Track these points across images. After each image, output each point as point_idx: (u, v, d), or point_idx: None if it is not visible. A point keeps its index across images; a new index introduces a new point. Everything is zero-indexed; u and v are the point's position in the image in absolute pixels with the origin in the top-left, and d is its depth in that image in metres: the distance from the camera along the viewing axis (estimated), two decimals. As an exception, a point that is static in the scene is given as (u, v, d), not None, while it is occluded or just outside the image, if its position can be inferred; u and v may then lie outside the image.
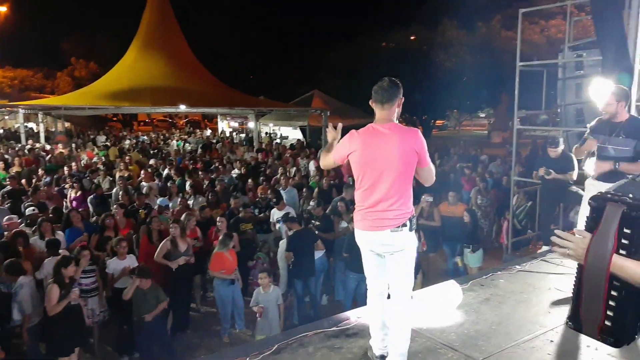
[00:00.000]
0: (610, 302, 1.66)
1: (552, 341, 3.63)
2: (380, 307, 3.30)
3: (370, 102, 3.10)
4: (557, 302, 4.35)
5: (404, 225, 3.04)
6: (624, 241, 1.63)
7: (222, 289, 6.52)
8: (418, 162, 3.04)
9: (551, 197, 6.77)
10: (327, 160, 3.31)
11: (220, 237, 6.68)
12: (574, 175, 6.22)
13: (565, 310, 4.11)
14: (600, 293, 1.65)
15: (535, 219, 7.88)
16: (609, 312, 1.68)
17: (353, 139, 3.08)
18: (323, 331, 3.75)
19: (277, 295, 6.20)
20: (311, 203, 8.41)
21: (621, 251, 1.62)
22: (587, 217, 1.77)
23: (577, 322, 1.80)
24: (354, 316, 4.04)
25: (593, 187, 4.38)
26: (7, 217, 7.33)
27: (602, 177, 4.39)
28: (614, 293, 1.65)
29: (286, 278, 7.04)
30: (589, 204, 1.77)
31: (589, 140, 4.58)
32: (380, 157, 2.98)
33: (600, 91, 6.33)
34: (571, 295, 1.80)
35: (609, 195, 1.74)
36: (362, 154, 3.02)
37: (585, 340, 3.61)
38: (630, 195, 1.68)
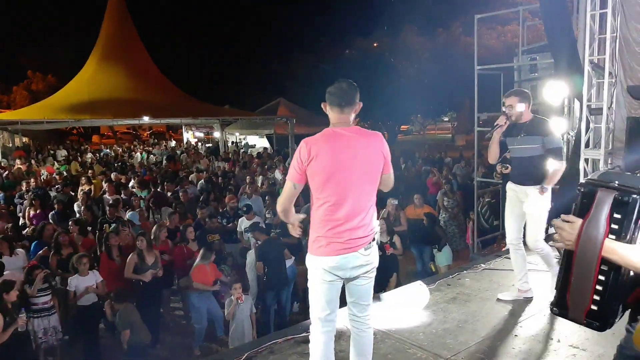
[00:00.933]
0: (598, 287, 1.72)
1: (516, 335, 3.74)
2: (329, 343, 2.81)
3: (323, 106, 2.79)
4: (521, 299, 4.48)
5: (373, 239, 2.76)
6: (613, 226, 1.69)
7: (198, 302, 6.42)
8: (386, 168, 2.78)
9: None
10: (285, 187, 2.77)
11: (201, 251, 6.59)
12: None
13: (529, 305, 4.26)
14: (590, 277, 1.71)
15: (500, 217, 8.09)
16: (596, 297, 1.73)
17: (309, 146, 2.62)
18: (293, 337, 3.75)
19: (249, 306, 6.12)
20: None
21: (611, 236, 1.69)
22: (575, 203, 1.83)
23: (562, 308, 1.84)
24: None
25: (510, 191, 4.37)
26: None
27: (513, 179, 4.36)
28: (601, 277, 1.71)
29: (256, 289, 6.98)
30: (578, 189, 1.83)
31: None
32: (347, 163, 2.61)
33: (553, 92, 6.63)
34: (555, 283, 1.87)
35: (599, 182, 1.79)
36: (325, 161, 2.59)
37: (548, 333, 3.73)
38: (617, 182, 1.76)
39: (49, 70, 38.20)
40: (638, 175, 1.83)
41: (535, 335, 3.73)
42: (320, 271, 2.68)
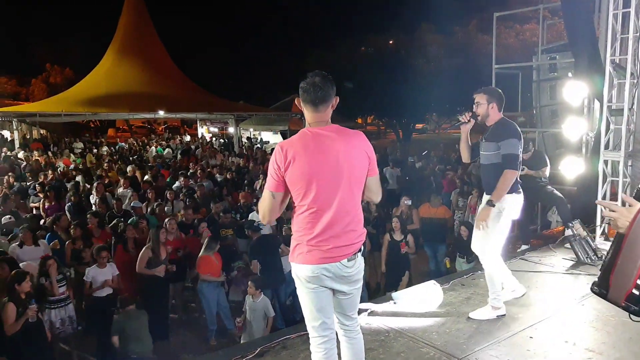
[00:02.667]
0: None
1: (531, 337, 3.69)
2: (330, 354, 2.62)
3: (296, 102, 2.53)
4: (536, 300, 4.43)
5: (360, 250, 2.55)
6: None
7: (207, 292, 6.46)
8: (372, 170, 2.53)
9: (529, 197, 6.89)
10: (262, 200, 2.50)
11: (205, 241, 6.63)
12: (547, 171, 6.34)
13: (543, 307, 4.21)
14: (637, 260, 1.72)
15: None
16: (636, 288, 1.75)
17: (284, 149, 2.38)
18: (306, 333, 3.71)
19: (264, 305, 5.88)
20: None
21: None
22: (638, 189, 1.87)
23: (604, 288, 1.86)
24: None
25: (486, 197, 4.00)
26: None
27: (485, 188, 4.03)
28: None
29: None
30: None
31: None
32: (328, 165, 2.38)
33: (572, 92, 6.53)
34: (602, 262, 1.88)
35: None
36: (304, 164, 2.36)
37: (564, 336, 3.68)
38: None
39: (66, 63, 38.72)
40: None
41: (551, 337, 3.69)
42: (302, 280, 2.51)
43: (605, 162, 6.07)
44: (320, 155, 2.38)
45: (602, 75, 5.96)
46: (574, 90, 6.44)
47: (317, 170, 2.38)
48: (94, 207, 9.57)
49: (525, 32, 25.28)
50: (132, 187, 10.51)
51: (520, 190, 3.89)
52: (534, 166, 6.25)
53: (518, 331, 3.79)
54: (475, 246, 4.04)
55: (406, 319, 4.03)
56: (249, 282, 5.96)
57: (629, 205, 1.79)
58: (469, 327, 3.89)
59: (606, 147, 6.03)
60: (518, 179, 3.85)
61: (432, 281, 4.71)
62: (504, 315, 3.99)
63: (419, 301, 4.34)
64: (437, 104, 28.81)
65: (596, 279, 1.90)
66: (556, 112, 7.65)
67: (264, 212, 2.49)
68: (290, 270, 6.73)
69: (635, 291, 1.75)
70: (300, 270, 2.50)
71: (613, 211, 1.81)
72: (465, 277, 5.11)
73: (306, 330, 3.75)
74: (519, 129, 3.83)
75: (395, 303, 4.37)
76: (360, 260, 2.57)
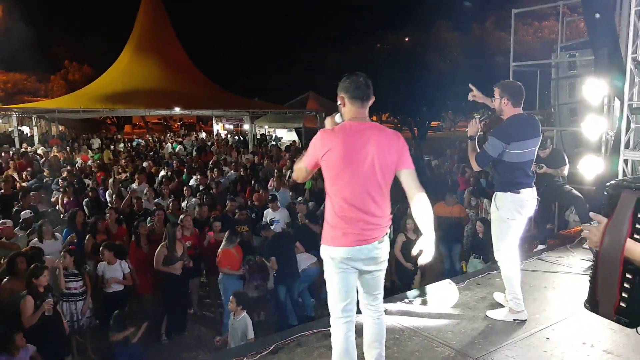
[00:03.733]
0: (625, 285, 1.73)
1: (548, 338, 3.66)
2: (350, 334, 2.80)
3: (342, 98, 2.75)
4: (553, 300, 4.38)
5: (386, 234, 2.78)
6: (638, 226, 1.70)
7: (228, 283, 6.51)
8: (401, 164, 2.74)
9: (546, 197, 6.81)
10: (298, 168, 2.84)
11: (226, 234, 6.69)
12: (565, 170, 6.25)
13: (560, 308, 4.17)
14: (615, 276, 1.72)
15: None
16: (624, 294, 1.74)
17: (327, 136, 2.67)
18: (320, 330, 3.75)
19: (244, 326, 5.37)
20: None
21: (636, 236, 1.69)
22: (603, 204, 1.87)
23: (593, 304, 1.87)
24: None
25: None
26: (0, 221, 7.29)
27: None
28: (629, 276, 1.72)
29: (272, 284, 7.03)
30: (605, 190, 1.86)
31: None
32: (362, 157, 2.63)
33: (592, 90, 6.42)
34: (589, 279, 1.89)
35: (625, 183, 1.83)
36: (341, 154, 2.61)
37: (581, 337, 3.64)
38: None
39: (85, 60, 39.14)
40: None
41: (568, 339, 3.64)
42: (335, 261, 2.71)
43: (625, 161, 5.97)
44: (356, 147, 2.63)
45: (623, 73, 5.86)
46: (593, 88, 6.33)
47: (352, 161, 2.62)
48: (109, 204, 9.68)
49: (544, 29, 24.90)
50: (147, 183, 10.63)
51: (520, 190, 3.75)
52: (552, 164, 6.17)
53: (535, 332, 3.75)
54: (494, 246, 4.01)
55: (421, 318, 4.02)
56: (231, 297, 5.67)
57: (598, 223, 1.79)
58: (484, 327, 3.86)
59: (626, 146, 5.94)
60: (518, 180, 3.75)
61: (448, 280, 4.68)
62: (524, 320, 3.89)
63: (434, 300, 4.32)
64: (453, 102, 28.62)
65: (587, 295, 1.90)
66: (575, 111, 7.54)
67: (297, 176, 2.90)
68: (304, 268, 6.83)
69: (622, 303, 1.75)
70: (336, 252, 2.70)
71: (588, 230, 1.84)
72: (480, 276, 5.07)
73: (320, 328, 3.79)
74: (519, 130, 3.70)
75: (410, 302, 4.36)
76: (387, 242, 2.80)
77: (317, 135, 2.69)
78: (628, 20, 5.83)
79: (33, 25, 38.72)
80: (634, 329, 1.85)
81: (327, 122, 2.92)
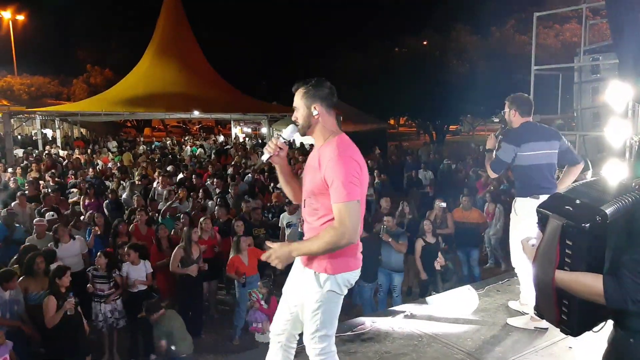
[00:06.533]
0: (563, 308, 1.71)
1: (570, 347, 3.58)
2: None
3: (317, 107, 2.47)
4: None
5: None
6: (567, 251, 1.64)
7: (240, 289, 6.54)
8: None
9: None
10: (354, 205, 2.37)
11: (233, 242, 6.72)
12: (588, 175, 6.13)
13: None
14: (551, 301, 1.70)
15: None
16: (563, 314, 1.72)
17: (354, 152, 2.42)
18: (338, 335, 3.71)
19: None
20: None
21: (566, 259, 1.64)
22: (537, 223, 1.81)
23: (539, 313, 1.86)
24: (369, 321, 4.02)
25: None
26: (37, 218, 7.45)
27: None
28: (564, 301, 1.70)
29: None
30: (537, 211, 1.80)
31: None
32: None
33: (616, 95, 6.28)
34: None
35: (552, 206, 1.73)
36: (365, 170, 2.44)
37: (604, 347, 3.55)
38: (573, 206, 1.67)
39: (106, 64, 39.79)
40: (620, 185, 1.73)
41: (592, 349, 3.55)
42: (343, 287, 2.48)
43: (651, 167, 5.83)
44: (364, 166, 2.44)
45: (649, 77, 5.72)
46: (618, 92, 6.19)
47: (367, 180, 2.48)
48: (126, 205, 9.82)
49: (565, 32, 24.55)
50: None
51: (540, 196, 3.70)
52: (576, 170, 6.04)
53: (557, 340, 3.67)
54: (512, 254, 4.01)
55: (440, 324, 3.98)
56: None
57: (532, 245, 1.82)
58: (504, 335, 3.80)
59: (652, 151, 5.79)
60: (537, 184, 3.77)
61: (468, 286, 4.63)
62: (546, 329, 3.80)
63: (453, 306, 4.27)
64: (471, 106, 28.38)
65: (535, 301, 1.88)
66: (598, 115, 7.39)
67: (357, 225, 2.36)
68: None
69: (563, 317, 1.73)
70: (354, 277, 2.50)
71: (525, 249, 1.87)
72: (500, 283, 4.99)
73: (338, 332, 3.76)
74: (529, 132, 3.82)
75: (429, 308, 4.32)
76: None
77: (353, 165, 2.35)
78: (654, 23, 5.69)
79: (57, 30, 39.59)
80: None
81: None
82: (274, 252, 2.42)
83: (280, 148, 2.57)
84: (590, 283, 1.59)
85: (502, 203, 8.99)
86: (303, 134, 2.54)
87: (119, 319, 6.05)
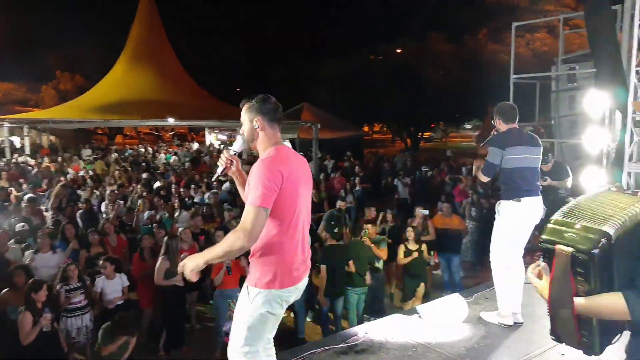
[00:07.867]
0: (584, 332, 1.71)
1: (563, 354, 3.59)
2: None
3: (258, 121, 2.56)
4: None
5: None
6: (580, 278, 1.65)
7: (219, 300, 6.40)
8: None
9: (552, 210, 6.79)
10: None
11: None
12: (569, 182, 6.28)
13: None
14: (572, 327, 1.70)
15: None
16: (583, 337, 1.72)
17: (281, 163, 2.42)
18: (331, 347, 3.67)
19: None
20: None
21: (579, 286, 1.65)
22: (542, 255, 1.81)
23: (557, 337, 1.84)
24: (361, 332, 3.97)
25: None
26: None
27: None
28: (586, 325, 1.70)
29: None
30: (539, 243, 1.79)
31: None
32: (304, 185, 2.53)
33: (593, 103, 6.45)
34: (547, 313, 1.82)
35: (555, 239, 1.72)
36: (294, 183, 2.43)
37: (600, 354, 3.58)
38: (573, 233, 1.67)
39: (76, 70, 38.89)
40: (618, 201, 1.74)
41: (584, 355, 3.58)
42: (280, 303, 2.46)
43: (629, 174, 5.97)
44: (299, 175, 2.50)
45: (626, 86, 5.88)
46: (595, 101, 6.35)
47: (299, 189, 2.50)
48: (104, 215, 9.54)
49: (536, 42, 25.20)
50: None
51: (522, 199, 3.91)
52: (556, 177, 6.17)
53: (549, 347, 3.69)
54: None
55: (433, 334, 3.95)
56: None
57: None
58: (498, 343, 3.80)
59: (630, 158, 5.94)
60: (519, 187, 3.92)
61: (456, 294, 4.62)
62: (510, 325, 4.03)
63: (444, 315, 4.25)
64: (445, 113, 28.81)
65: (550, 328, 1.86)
66: (575, 123, 7.57)
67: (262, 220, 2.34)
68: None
69: (584, 339, 1.73)
70: (283, 294, 2.46)
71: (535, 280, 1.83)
72: (488, 290, 5.00)
73: (331, 345, 3.70)
74: (512, 136, 3.99)
75: (420, 317, 4.29)
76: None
77: (270, 166, 2.40)
78: (629, 33, 5.87)
79: (24, 35, 38.54)
80: None
81: None
82: (186, 264, 2.40)
83: (231, 160, 2.71)
84: (611, 303, 1.60)
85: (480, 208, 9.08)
86: (249, 147, 2.66)
87: (90, 331, 5.75)
